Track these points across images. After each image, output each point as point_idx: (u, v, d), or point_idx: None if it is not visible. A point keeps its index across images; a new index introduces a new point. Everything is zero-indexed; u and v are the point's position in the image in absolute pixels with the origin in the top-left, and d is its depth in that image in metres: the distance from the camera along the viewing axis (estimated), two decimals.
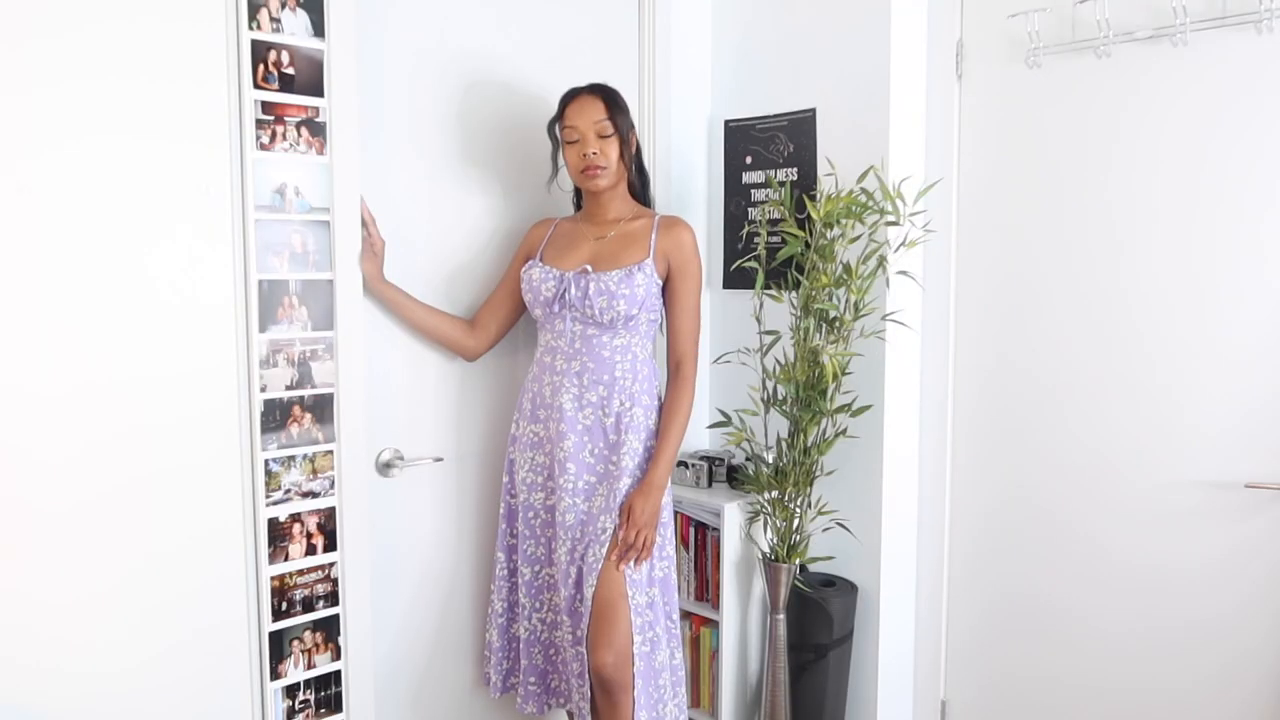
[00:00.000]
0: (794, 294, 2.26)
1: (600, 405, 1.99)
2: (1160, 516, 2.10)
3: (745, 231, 2.58)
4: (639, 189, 2.14)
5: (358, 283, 1.95)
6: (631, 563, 1.93)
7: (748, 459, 2.39)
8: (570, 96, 2.02)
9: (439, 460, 2.18)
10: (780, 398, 2.28)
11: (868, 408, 2.27)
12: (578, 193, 2.19)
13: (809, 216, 2.19)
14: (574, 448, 1.99)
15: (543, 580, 2.11)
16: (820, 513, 2.35)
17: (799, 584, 2.33)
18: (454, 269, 2.20)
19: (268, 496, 1.84)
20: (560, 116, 2.01)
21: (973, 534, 2.41)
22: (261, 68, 1.78)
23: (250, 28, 1.75)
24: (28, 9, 1.52)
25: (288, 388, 1.86)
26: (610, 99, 2.01)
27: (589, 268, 2.00)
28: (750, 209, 2.59)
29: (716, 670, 2.42)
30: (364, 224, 1.94)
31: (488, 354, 2.22)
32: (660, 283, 2.03)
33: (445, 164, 2.17)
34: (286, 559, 1.88)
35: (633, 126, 2.06)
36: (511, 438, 2.13)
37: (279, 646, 1.88)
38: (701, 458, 2.53)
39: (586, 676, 1.94)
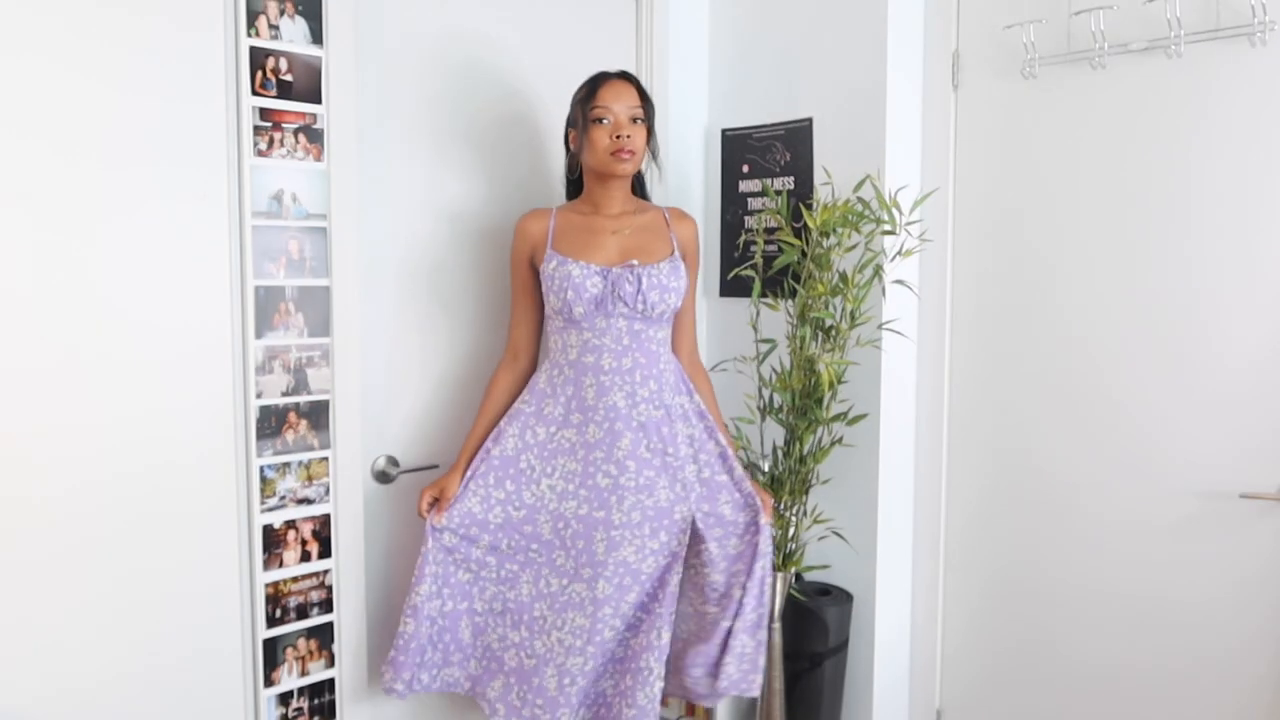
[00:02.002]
0: (790, 302, 2.26)
1: (651, 400, 1.96)
2: (1156, 526, 2.10)
3: (742, 240, 2.58)
4: (637, 183, 2.11)
5: (354, 289, 1.95)
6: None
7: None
8: (603, 79, 1.98)
9: (434, 468, 2.17)
10: (776, 406, 2.28)
11: (863, 416, 2.27)
12: (574, 184, 2.10)
13: (805, 225, 2.20)
14: (631, 445, 1.94)
15: (569, 596, 1.96)
16: (816, 521, 2.35)
17: (794, 592, 2.33)
18: (449, 271, 2.20)
19: (262, 503, 1.84)
20: (592, 96, 1.95)
21: (969, 543, 2.41)
22: (260, 74, 1.78)
23: (249, 34, 1.76)
24: (27, 14, 1.53)
25: (283, 394, 1.86)
26: (641, 87, 2.00)
27: (635, 263, 1.95)
28: (747, 217, 2.59)
29: None
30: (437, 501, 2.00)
31: (482, 362, 2.23)
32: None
33: (442, 170, 2.17)
34: (281, 566, 1.88)
35: (654, 115, 2.04)
36: (525, 445, 2.00)
37: (273, 654, 1.87)
38: None
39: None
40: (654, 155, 2.09)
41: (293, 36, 1.82)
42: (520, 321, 2.09)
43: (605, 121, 1.93)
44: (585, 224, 2.02)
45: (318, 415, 1.91)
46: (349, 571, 1.98)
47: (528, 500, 1.99)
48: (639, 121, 1.96)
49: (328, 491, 1.94)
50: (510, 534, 2.00)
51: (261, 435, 1.83)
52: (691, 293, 2.08)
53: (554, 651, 1.94)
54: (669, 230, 2.04)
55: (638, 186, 2.12)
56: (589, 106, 1.94)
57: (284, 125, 1.82)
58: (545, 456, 1.99)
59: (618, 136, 1.92)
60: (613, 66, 2.07)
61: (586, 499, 1.95)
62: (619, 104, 1.93)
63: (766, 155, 2.54)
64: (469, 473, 2.00)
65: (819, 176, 2.40)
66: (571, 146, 2.04)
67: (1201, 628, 2.06)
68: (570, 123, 2.02)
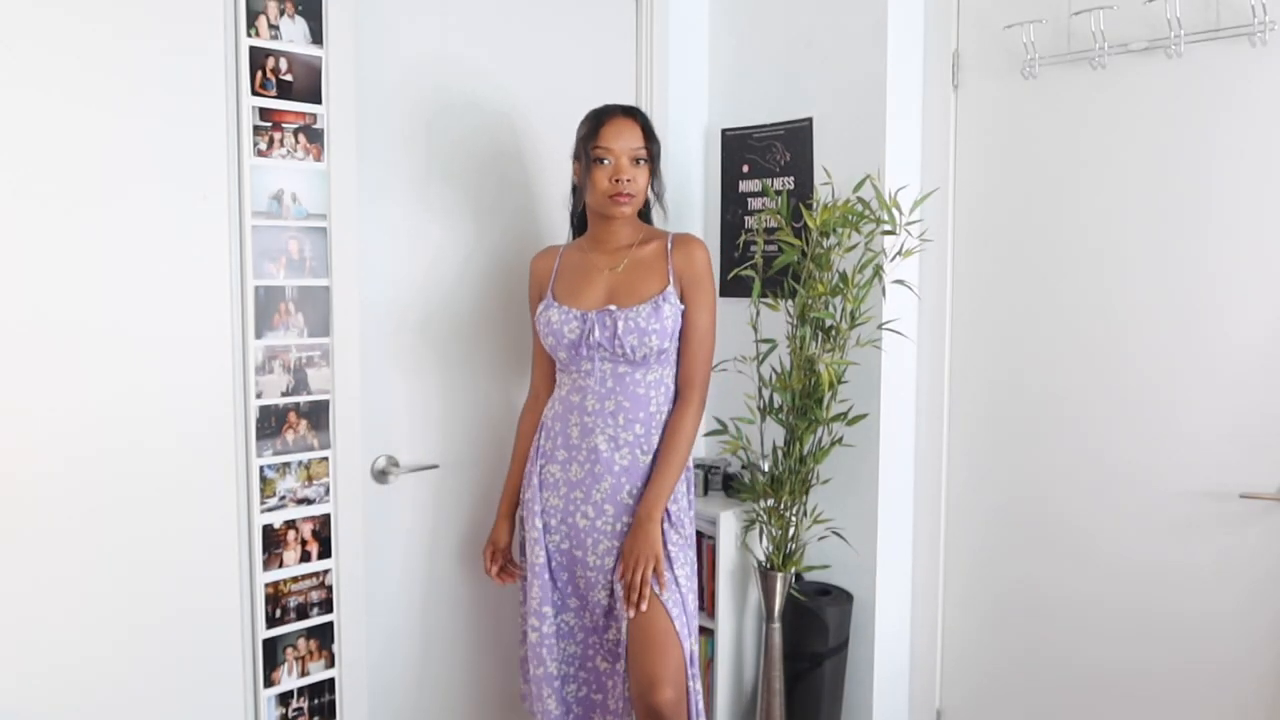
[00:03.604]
0: (790, 302, 2.26)
1: (637, 444, 1.90)
2: (1156, 526, 2.10)
3: (742, 240, 2.58)
4: (644, 211, 2.04)
5: (354, 289, 1.95)
6: (664, 596, 1.84)
7: (744, 467, 2.39)
8: (606, 116, 1.90)
9: (434, 468, 2.18)
10: (776, 406, 2.28)
11: (863, 416, 2.27)
12: (579, 218, 2.08)
13: (805, 225, 2.20)
14: (611, 489, 1.91)
15: (558, 626, 1.99)
16: (816, 521, 2.35)
17: (794, 592, 2.33)
18: (449, 269, 2.20)
19: (262, 503, 1.84)
20: (594, 135, 1.88)
21: (968, 543, 2.41)
22: (260, 74, 1.78)
23: (249, 34, 1.76)
24: (27, 8, 1.53)
25: (283, 394, 1.86)
26: (646, 125, 1.92)
27: (613, 307, 1.89)
28: (747, 217, 2.59)
29: (712, 679, 2.42)
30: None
31: (481, 364, 2.23)
32: (682, 307, 1.92)
33: (442, 169, 2.17)
34: (281, 566, 1.88)
35: (660, 153, 1.96)
36: (529, 479, 2.00)
37: (273, 654, 1.87)
38: (697, 466, 2.53)
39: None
40: (659, 197, 2.02)
41: (293, 36, 1.82)
42: (537, 361, 2.10)
43: (606, 162, 1.87)
44: (583, 263, 1.98)
45: (318, 415, 1.91)
46: (349, 571, 1.98)
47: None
48: (641, 162, 1.89)
49: (328, 491, 1.94)
50: (556, 571, 1.99)
51: (261, 435, 1.83)
52: (699, 322, 1.92)
53: (555, 678, 1.97)
54: (668, 262, 1.92)
55: (645, 213, 2.05)
56: (590, 145, 1.88)
57: (284, 125, 1.82)
58: (547, 492, 1.98)
59: (617, 180, 1.87)
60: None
61: (567, 535, 1.95)
62: (619, 143, 1.87)
63: (766, 155, 2.54)
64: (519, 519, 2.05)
65: (819, 176, 2.40)
66: (575, 180, 2.01)
67: (1202, 628, 2.06)
68: (574, 155, 1.97)
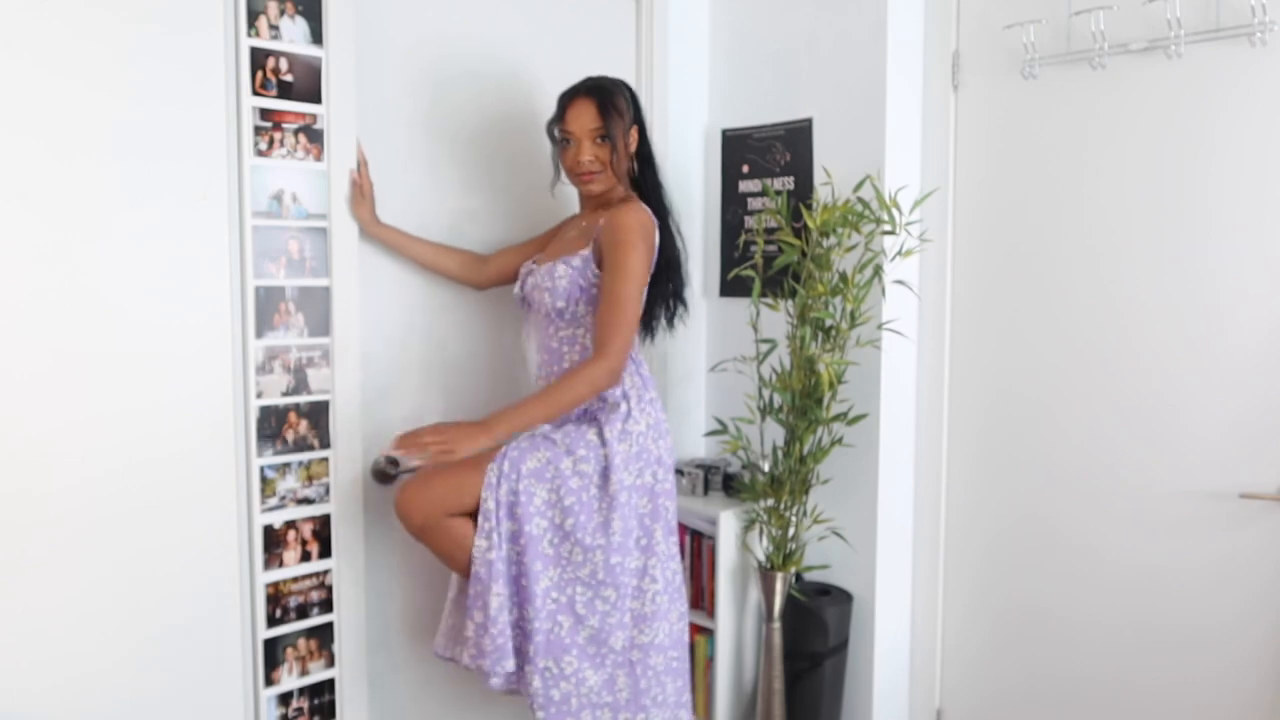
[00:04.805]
0: (790, 302, 2.26)
1: None
2: (1156, 526, 2.10)
3: (742, 240, 2.58)
4: (647, 186, 2.03)
5: (354, 289, 1.95)
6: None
7: (744, 467, 2.39)
8: (568, 99, 1.96)
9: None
10: (776, 406, 2.28)
11: (863, 416, 2.27)
12: None
13: (805, 225, 2.20)
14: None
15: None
16: (816, 521, 2.35)
17: (794, 592, 2.33)
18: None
19: (263, 503, 1.84)
20: (559, 119, 1.96)
21: (968, 543, 2.41)
22: (260, 75, 1.78)
23: (249, 35, 1.76)
24: (27, 15, 1.53)
25: (283, 394, 1.86)
26: (605, 102, 1.92)
27: (533, 263, 2.02)
28: (747, 217, 2.59)
29: (712, 678, 2.42)
30: (357, 166, 1.94)
31: (482, 363, 2.23)
32: (598, 271, 1.91)
33: (441, 169, 2.17)
34: (281, 566, 1.88)
35: (634, 125, 1.98)
36: None
37: (273, 654, 1.88)
38: (697, 466, 2.53)
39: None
40: (643, 161, 2.01)
41: (293, 36, 1.82)
42: (512, 247, 2.23)
43: (570, 143, 1.94)
44: (565, 227, 2.12)
45: (318, 415, 1.91)
46: (349, 571, 1.98)
47: None
48: (602, 139, 1.92)
49: (328, 491, 1.94)
50: None
51: (262, 435, 1.83)
52: (608, 285, 1.87)
53: None
54: (598, 227, 1.93)
55: (652, 192, 2.04)
56: (555, 128, 1.98)
57: (284, 125, 1.82)
58: None
59: (579, 160, 1.93)
60: (595, 71, 2.03)
61: None
62: (577, 124, 1.92)
63: (766, 155, 2.54)
64: None
65: (819, 176, 2.40)
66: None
67: (1202, 628, 2.06)
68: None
